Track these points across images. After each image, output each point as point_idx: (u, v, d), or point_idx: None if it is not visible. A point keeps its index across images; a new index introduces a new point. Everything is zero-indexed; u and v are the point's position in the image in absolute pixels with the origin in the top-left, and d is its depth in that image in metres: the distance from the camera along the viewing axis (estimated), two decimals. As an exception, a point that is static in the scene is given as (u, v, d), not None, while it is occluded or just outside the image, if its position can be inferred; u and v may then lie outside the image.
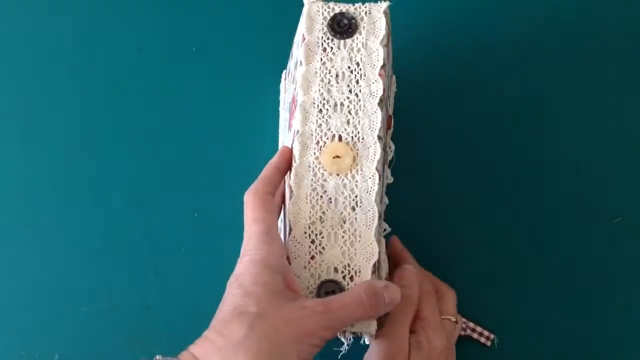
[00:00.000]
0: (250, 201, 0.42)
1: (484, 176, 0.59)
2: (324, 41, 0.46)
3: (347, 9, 0.46)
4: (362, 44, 0.46)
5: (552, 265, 0.57)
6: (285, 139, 0.52)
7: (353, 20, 0.46)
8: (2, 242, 0.58)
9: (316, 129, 0.44)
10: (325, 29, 0.46)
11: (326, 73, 0.45)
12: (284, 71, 0.59)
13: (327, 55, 0.46)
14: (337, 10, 0.47)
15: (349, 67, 0.46)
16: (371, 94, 0.45)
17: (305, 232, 0.43)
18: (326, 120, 0.45)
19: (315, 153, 0.44)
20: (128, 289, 0.56)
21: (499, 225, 0.58)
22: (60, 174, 0.59)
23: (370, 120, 0.45)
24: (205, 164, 0.59)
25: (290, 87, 0.52)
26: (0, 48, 0.62)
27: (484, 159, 0.60)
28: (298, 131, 0.44)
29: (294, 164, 0.44)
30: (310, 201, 0.43)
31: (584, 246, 0.57)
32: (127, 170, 0.60)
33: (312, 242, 0.42)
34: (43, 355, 0.55)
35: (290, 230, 0.43)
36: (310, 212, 0.43)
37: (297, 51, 0.48)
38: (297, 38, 0.49)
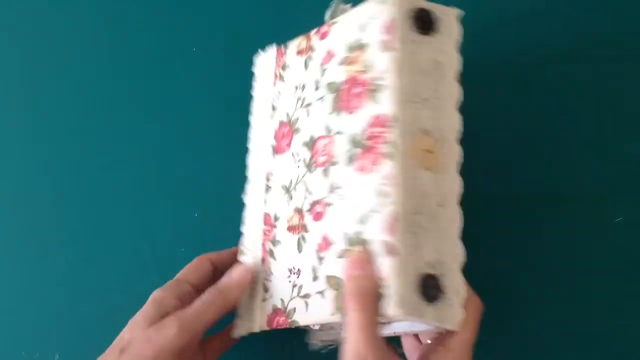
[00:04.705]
0: None
1: (483, 176, 0.59)
2: (410, 33, 0.43)
3: (430, 7, 0.44)
4: (443, 44, 0.44)
5: (552, 265, 0.57)
6: (269, 122, 0.51)
7: (436, 20, 0.44)
8: (3, 242, 0.58)
9: (409, 120, 0.42)
10: (411, 21, 0.43)
11: (414, 65, 0.43)
12: (270, 49, 0.55)
13: (414, 47, 0.43)
14: (422, 6, 0.44)
15: (433, 65, 0.44)
16: (450, 96, 0.44)
17: (408, 223, 0.40)
18: (417, 112, 0.42)
19: (410, 144, 0.42)
20: (128, 289, 0.56)
21: (498, 226, 0.58)
22: (60, 174, 0.59)
23: (451, 121, 0.43)
24: (205, 163, 0.59)
25: (315, 67, 0.48)
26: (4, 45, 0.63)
27: (483, 159, 0.60)
28: (395, 118, 0.41)
29: (394, 155, 0.41)
30: (411, 193, 0.41)
31: (584, 246, 0.57)
32: (127, 170, 0.60)
33: (414, 233, 0.40)
34: (43, 355, 0.55)
35: (397, 219, 0.40)
36: (411, 203, 0.41)
37: (364, 34, 0.44)
38: (362, 19, 0.45)
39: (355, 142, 0.43)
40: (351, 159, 0.43)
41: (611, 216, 0.58)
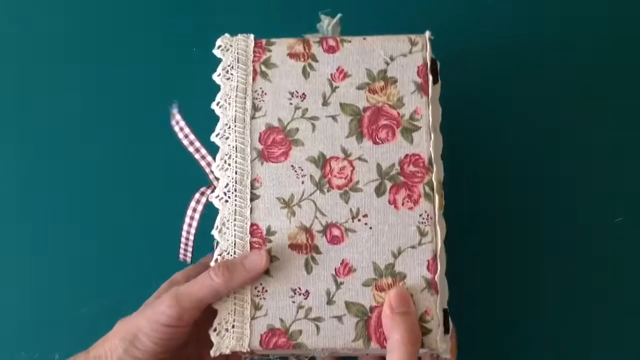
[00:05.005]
0: None
1: (483, 177, 0.59)
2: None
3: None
4: (437, 95, 0.47)
5: (552, 265, 0.57)
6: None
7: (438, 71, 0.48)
8: (2, 242, 0.58)
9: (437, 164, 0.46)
10: (431, 69, 0.47)
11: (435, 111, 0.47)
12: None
13: (433, 94, 0.47)
14: (433, 56, 0.47)
15: (435, 114, 0.47)
16: (440, 145, 0.47)
17: (441, 262, 0.45)
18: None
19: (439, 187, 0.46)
20: (128, 289, 0.56)
21: (498, 226, 0.58)
22: (60, 174, 0.59)
23: (440, 168, 0.46)
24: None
25: (319, 79, 0.48)
26: (1, 48, 0.63)
27: (484, 159, 0.60)
28: (432, 162, 0.45)
29: (431, 197, 0.45)
30: (441, 233, 0.45)
31: (584, 246, 0.57)
32: (128, 170, 0.60)
33: (442, 271, 0.45)
34: (43, 355, 0.55)
35: (435, 258, 0.44)
36: (442, 243, 0.45)
37: (393, 68, 0.47)
38: (390, 51, 0.48)
39: (384, 174, 0.46)
40: (380, 190, 0.46)
41: (611, 216, 0.58)
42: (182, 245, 0.51)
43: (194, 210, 0.49)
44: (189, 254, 0.51)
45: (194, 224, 0.49)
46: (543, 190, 0.59)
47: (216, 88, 0.55)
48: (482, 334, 0.55)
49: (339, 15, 0.51)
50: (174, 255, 0.57)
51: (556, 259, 0.57)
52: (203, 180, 0.57)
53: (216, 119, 0.53)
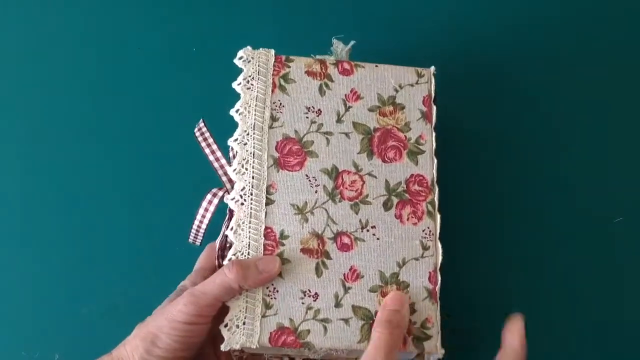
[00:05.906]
0: None
1: (484, 177, 0.59)
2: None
3: None
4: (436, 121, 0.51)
5: (552, 265, 0.57)
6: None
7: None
8: (2, 242, 0.58)
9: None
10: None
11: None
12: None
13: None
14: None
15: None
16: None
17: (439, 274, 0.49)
18: None
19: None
20: (128, 289, 0.56)
21: (499, 226, 0.58)
22: (60, 174, 0.59)
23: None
24: (205, 163, 0.59)
25: (334, 98, 0.51)
26: (0, 47, 0.63)
27: (484, 160, 0.60)
28: (434, 183, 0.49)
29: (433, 214, 0.49)
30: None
31: (584, 246, 0.57)
32: (127, 170, 0.60)
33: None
34: (43, 355, 0.55)
35: (436, 270, 0.48)
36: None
37: (401, 96, 0.51)
38: (399, 80, 0.52)
39: (392, 191, 0.49)
40: (388, 205, 0.49)
41: (611, 216, 0.58)
42: (192, 233, 0.53)
43: (206, 210, 0.51)
44: (199, 240, 0.53)
45: (205, 221, 0.51)
46: (543, 190, 0.59)
47: (219, 86, 0.55)
48: (482, 334, 0.56)
49: (352, 42, 0.55)
50: (173, 255, 0.57)
51: (556, 259, 0.57)
52: (204, 181, 0.58)
53: (219, 116, 0.53)
